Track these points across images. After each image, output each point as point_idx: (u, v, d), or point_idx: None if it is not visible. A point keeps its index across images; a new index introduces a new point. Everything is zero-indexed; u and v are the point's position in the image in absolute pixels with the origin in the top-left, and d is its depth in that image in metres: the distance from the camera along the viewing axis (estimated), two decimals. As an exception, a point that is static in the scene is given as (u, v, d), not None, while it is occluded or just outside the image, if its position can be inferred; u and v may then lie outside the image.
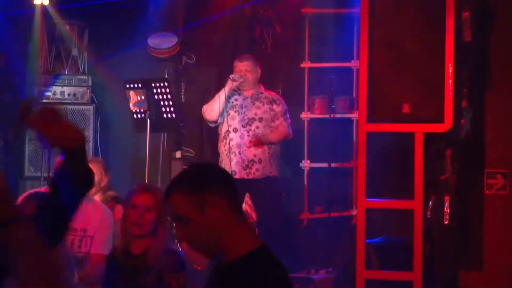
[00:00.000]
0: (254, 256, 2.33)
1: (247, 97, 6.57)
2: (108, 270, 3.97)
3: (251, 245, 2.36)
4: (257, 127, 6.48)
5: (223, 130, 6.54)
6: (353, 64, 7.33)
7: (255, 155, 6.45)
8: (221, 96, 6.46)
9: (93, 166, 4.93)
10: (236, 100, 6.57)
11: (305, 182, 7.57)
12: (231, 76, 6.49)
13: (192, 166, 2.63)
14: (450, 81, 4.72)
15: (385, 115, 4.83)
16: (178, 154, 7.81)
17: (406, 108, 4.72)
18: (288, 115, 6.62)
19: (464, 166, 5.31)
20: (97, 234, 4.61)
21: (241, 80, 6.49)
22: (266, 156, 6.48)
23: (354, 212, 7.23)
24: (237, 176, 6.43)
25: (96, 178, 5.29)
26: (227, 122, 6.51)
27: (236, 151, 6.46)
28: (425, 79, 4.72)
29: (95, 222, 4.60)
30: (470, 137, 5.20)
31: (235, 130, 6.49)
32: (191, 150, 7.94)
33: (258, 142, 6.42)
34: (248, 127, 6.47)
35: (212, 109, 6.53)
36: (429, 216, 5.12)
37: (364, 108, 4.83)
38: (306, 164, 7.53)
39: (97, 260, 4.55)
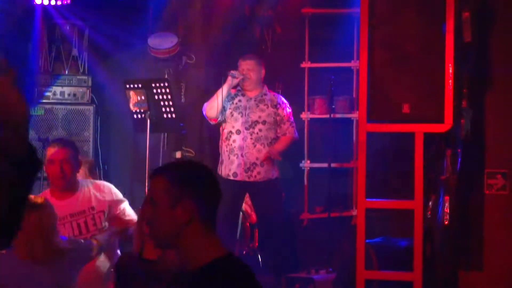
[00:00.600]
0: (217, 265, 2.35)
1: (251, 98, 6.55)
2: (120, 277, 3.97)
3: (214, 254, 2.37)
4: (260, 130, 6.46)
5: (225, 131, 6.52)
6: (353, 64, 7.33)
7: (257, 158, 6.44)
8: (220, 93, 6.43)
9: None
10: (240, 101, 6.55)
11: (305, 182, 7.57)
12: (230, 72, 6.47)
13: (191, 164, 2.63)
14: (450, 81, 4.72)
15: (385, 115, 4.83)
16: (178, 154, 7.80)
17: (406, 108, 4.72)
18: (292, 118, 6.62)
19: (464, 166, 5.30)
20: (117, 207, 4.69)
21: (241, 77, 6.47)
22: (268, 159, 6.47)
23: (354, 212, 7.23)
24: (238, 178, 6.43)
25: (81, 178, 5.33)
26: (230, 123, 6.49)
27: (238, 153, 6.44)
28: (425, 79, 4.72)
29: (104, 199, 4.66)
30: (470, 137, 5.20)
31: (238, 132, 6.47)
32: (191, 150, 7.93)
33: (268, 157, 6.42)
34: (251, 129, 6.46)
35: (212, 106, 6.50)
36: (429, 216, 5.11)
37: (364, 108, 4.83)
38: (306, 164, 7.53)
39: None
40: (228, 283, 2.33)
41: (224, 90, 6.43)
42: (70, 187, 4.58)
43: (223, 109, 6.51)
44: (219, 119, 6.53)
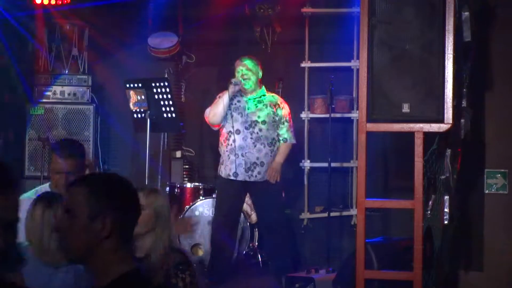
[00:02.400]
0: (124, 281, 2.29)
1: (249, 99, 6.55)
2: None
3: (123, 269, 2.31)
4: (260, 130, 6.46)
5: (225, 131, 6.52)
6: (353, 64, 7.34)
7: (257, 158, 6.44)
8: (224, 100, 6.43)
9: None
10: (238, 101, 6.54)
11: (305, 182, 7.57)
12: (232, 80, 6.46)
13: (113, 177, 2.47)
14: (450, 81, 4.71)
15: (385, 115, 4.82)
16: (178, 154, 7.81)
17: (406, 108, 4.71)
18: (291, 120, 6.61)
19: (464, 166, 5.30)
20: None
21: (243, 84, 6.47)
22: (268, 159, 6.48)
23: (354, 212, 7.24)
24: (239, 178, 6.43)
25: None
26: (230, 123, 6.48)
27: (239, 153, 6.44)
28: (425, 79, 4.71)
29: None
30: (470, 136, 5.20)
31: (238, 131, 6.47)
32: (191, 150, 7.94)
33: (276, 174, 6.46)
34: (251, 129, 6.46)
35: (215, 113, 6.49)
36: (429, 216, 5.11)
37: (364, 108, 4.82)
38: (306, 163, 7.53)
39: None
40: None
41: (227, 99, 6.41)
42: None
43: (225, 114, 6.51)
44: (222, 124, 6.53)
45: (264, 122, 6.48)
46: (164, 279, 3.60)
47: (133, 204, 2.41)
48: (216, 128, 6.63)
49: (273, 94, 6.72)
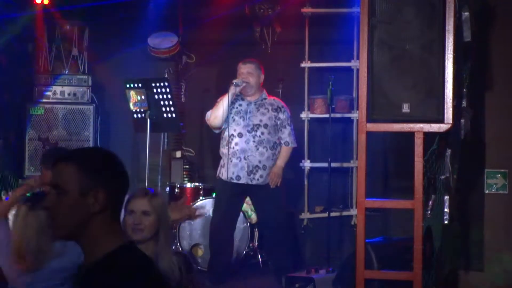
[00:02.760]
0: (118, 254, 2.27)
1: (251, 102, 6.54)
2: None
3: (115, 243, 2.28)
4: (262, 133, 6.46)
5: (226, 134, 6.51)
6: (353, 64, 7.34)
7: (259, 162, 6.44)
8: (224, 102, 6.42)
9: None
10: (240, 105, 6.53)
11: (305, 182, 7.57)
12: (234, 81, 6.44)
13: (100, 151, 2.47)
14: (450, 81, 4.71)
15: (385, 115, 4.82)
16: (178, 154, 7.81)
17: (406, 108, 4.72)
18: (292, 124, 6.60)
19: (464, 166, 5.30)
20: None
21: (244, 85, 6.45)
22: (270, 163, 6.48)
23: (354, 212, 7.24)
24: (241, 182, 6.43)
25: None
26: (231, 126, 6.47)
27: (241, 156, 6.43)
28: (425, 79, 4.72)
29: None
30: (470, 137, 5.20)
31: (240, 135, 6.46)
32: (191, 150, 7.94)
33: (277, 178, 6.47)
34: (253, 132, 6.45)
35: (216, 116, 6.47)
36: (429, 216, 5.11)
37: (364, 108, 4.82)
38: (306, 163, 7.53)
39: None
40: (127, 271, 2.24)
41: (229, 99, 6.39)
42: None
43: (226, 116, 6.50)
44: (223, 127, 6.52)
45: (266, 125, 6.47)
46: (177, 284, 3.59)
47: (122, 176, 2.37)
48: (217, 131, 6.62)
49: (275, 98, 6.71)
